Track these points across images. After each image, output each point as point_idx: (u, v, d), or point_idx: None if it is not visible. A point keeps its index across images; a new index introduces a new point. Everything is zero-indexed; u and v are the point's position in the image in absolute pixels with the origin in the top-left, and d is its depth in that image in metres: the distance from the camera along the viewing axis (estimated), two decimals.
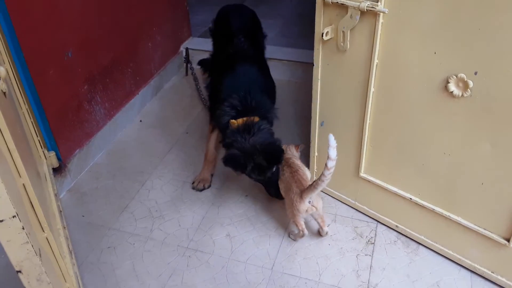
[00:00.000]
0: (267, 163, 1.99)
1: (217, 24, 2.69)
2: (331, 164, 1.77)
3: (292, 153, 2.18)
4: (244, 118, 2.03)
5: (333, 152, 1.76)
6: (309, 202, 1.91)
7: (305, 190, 1.90)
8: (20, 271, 1.00)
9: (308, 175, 2.12)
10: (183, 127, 2.87)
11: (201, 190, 2.37)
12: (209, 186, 2.40)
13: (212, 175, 2.44)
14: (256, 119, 2.04)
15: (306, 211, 1.93)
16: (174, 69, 3.40)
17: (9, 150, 1.07)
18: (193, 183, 2.40)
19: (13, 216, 0.90)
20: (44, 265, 1.02)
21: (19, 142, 1.27)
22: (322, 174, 1.80)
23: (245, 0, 4.59)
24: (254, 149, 1.97)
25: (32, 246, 0.96)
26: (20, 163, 1.11)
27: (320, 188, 1.86)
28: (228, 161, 1.99)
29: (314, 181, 1.87)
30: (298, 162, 2.09)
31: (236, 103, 2.08)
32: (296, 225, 1.99)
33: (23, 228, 0.92)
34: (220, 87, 2.20)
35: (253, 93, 2.10)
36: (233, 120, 2.05)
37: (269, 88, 2.33)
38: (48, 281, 1.02)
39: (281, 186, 2.08)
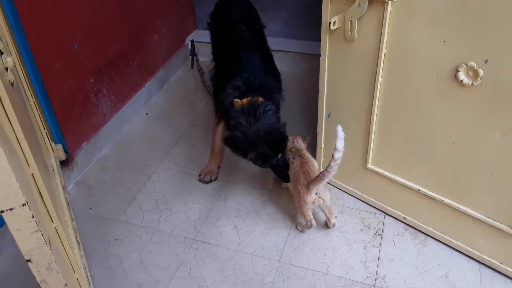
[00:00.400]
0: (271, 151, 1.98)
1: (215, 17, 2.65)
2: (338, 155, 1.76)
3: (300, 145, 2.18)
4: (248, 98, 2.00)
5: (340, 143, 1.74)
6: (316, 193, 1.90)
7: (312, 181, 1.89)
8: (29, 260, 1.00)
9: (316, 167, 2.11)
10: (189, 119, 2.87)
11: (207, 182, 2.37)
12: (216, 179, 2.39)
13: (219, 167, 2.43)
14: (261, 99, 2.00)
15: (313, 202, 1.92)
16: (180, 61, 3.40)
17: (17, 139, 1.07)
18: (199, 175, 2.40)
19: (23, 205, 0.89)
20: (53, 254, 1.02)
21: (28, 133, 1.27)
22: (329, 165, 1.80)
23: None
24: (258, 137, 1.94)
25: (42, 235, 0.96)
26: (28, 153, 1.11)
27: (326, 179, 1.85)
28: (228, 141, 1.97)
29: (321, 172, 1.86)
30: (308, 155, 2.08)
31: (238, 84, 2.05)
32: (304, 216, 1.98)
33: (33, 217, 0.92)
34: (224, 76, 2.18)
35: (257, 75, 2.07)
36: (237, 99, 2.02)
37: (274, 73, 2.30)
38: (58, 270, 1.03)
39: (290, 175, 2.07)
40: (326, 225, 2.07)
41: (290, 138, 2.16)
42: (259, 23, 2.63)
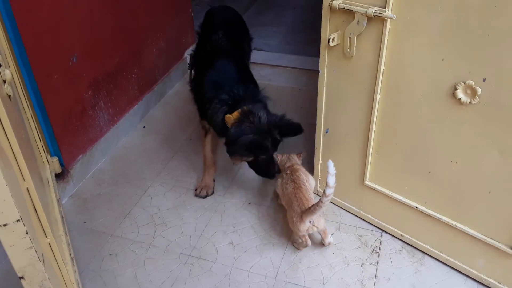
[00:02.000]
0: (287, 135, 2.04)
1: (202, 25, 2.67)
2: (330, 191, 1.76)
3: (296, 161, 2.17)
4: (238, 111, 2.00)
5: (331, 180, 1.75)
6: (310, 222, 1.90)
7: (305, 211, 1.88)
8: (22, 277, 0.98)
9: (312, 183, 2.10)
10: (186, 133, 2.86)
11: (204, 197, 2.35)
12: (212, 193, 2.37)
13: (214, 180, 2.41)
14: (247, 108, 2.01)
15: (307, 230, 1.92)
16: (178, 75, 3.40)
17: (13, 153, 1.05)
18: (195, 190, 2.38)
19: (17, 220, 0.88)
20: (47, 271, 1.00)
21: (24, 146, 1.25)
22: (320, 200, 1.80)
23: (249, 9, 4.61)
24: (271, 125, 1.99)
25: (36, 251, 0.94)
26: (24, 167, 1.10)
27: (319, 213, 1.85)
28: (253, 148, 1.99)
29: (313, 205, 1.86)
30: (303, 175, 2.08)
31: (225, 97, 2.05)
32: (299, 237, 1.97)
33: (27, 233, 0.91)
34: (201, 85, 2.20)
35: (237, 85, 2.09)
36: (228, 115, 2.02)
37: (251, 80, 2.31)
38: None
39: (283, 198, 2.06)
40: (322, 244, 2.05)
41: (284, 156, 2.16)
42: (245, 36, 2.64)
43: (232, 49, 2.37)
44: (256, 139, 1.99)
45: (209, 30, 2.48)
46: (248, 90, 2.10)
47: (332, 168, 1.73)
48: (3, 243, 0.92)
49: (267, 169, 2.14)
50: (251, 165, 2.16)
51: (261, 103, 2.08)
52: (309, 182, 2.07)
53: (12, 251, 0.92)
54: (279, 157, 2.17)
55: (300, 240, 1.98)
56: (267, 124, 1.99)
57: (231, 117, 2.01)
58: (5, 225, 0.88)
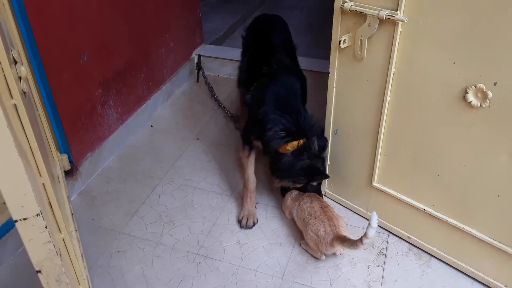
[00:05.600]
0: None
1: (253, 34, 2.57)
2: (366, 241, 1.72)
3: None
4: (297, 142, 1.96)
5: (371, 232, 1.68)
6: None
7: (339, 239, 1.84)
8: (39, 271, 0.99)
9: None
10: (194, 133, 2.87)
11: (251, 227, 2.18)
12: (257, 220, 2.21)
13: (256, 207, 2.26)
14: (303, 141, 1.97)
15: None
16: (186, 75, 3.42)
17: (31, 149, 1.07)
18: (240, 222, 2.19)
19: (37, 215, 0.89)
20: (63, 266, 1.01)
21: (39, 143, 1.27)
22: (360, 240, 1.74)
23: (256, 10, 4.63)
24: (321, 150, 2.00)
25: (54, 245, 0.96)
26: (41, 163, 1.11)
27: (350, 248, 1.82)
28: (310, 172, 1.99)
29: (349, 239, 1.81)
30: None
31: (289, 127, 1.97)
32: (318, 253, 1.99)
33: (46, 227, 0.92)
34: (263, 103, 2.07)
35: (303, 114, 2.02)
36: (288, 146, 1.96)
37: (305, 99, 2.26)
38: (67, 282, 1.02)
39: (299, 215, 2.04)
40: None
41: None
42: (293, 46, 2.55)
43: (295, 68, 2.32)
44: (313, 163, 1.97)
45: (267, 44, 2.36)
46: (310, 121, 2.01)
47: (375, 222, 1.67)
48: (22, 237, 0.93)
49: (319, 192, 2.14)
50: (300, 189, 2.13)
51: (317, 136, 2.01)
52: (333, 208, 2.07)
53: (30, 245, 0.93)
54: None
55: (318, 255, 1.99)
56: (319, 151, 1.99)
57: (289, 149, 1.96)
58: (25, 219, 0.89)
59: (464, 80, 1.53)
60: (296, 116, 1.99)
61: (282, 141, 1.96)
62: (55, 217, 1.19)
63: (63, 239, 1.23)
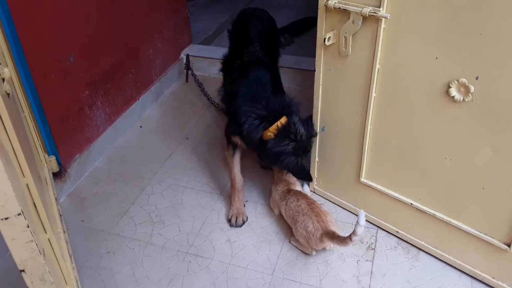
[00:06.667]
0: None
1: (236, 27, 2.59)
2: (355, 238, 1.74)
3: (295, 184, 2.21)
4: (276, 124, 1.94)
5: (360, 230, 1.71)
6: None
7: (328, 234, 1.85)
8: (23, 270, 0.99)
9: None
10: (183, 133, 2.87)
11: (241, 226, 2.19)
12: (247, 218, 2.23)
13: (244, 205, 2.27)
14: (284, 119, 1.96)
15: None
16: (175, 75, 3.41)
17: (13, 149, 1.07)
18: (229, 220, 2.20)
19: (18, 214, 0.89)
20: (47, 265, 1.01)
21: (23, 143, 1.26)
22: (349, 237, 1.75)
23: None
24: (309, 138, 2.00)
25: (37, 245, 0.96)
26: (24, 163, 1.11)
27: (339, 245, 1.84)
28: (304, 171, 2.02)
29: (339, 235, 1.82)
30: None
31: (262, 113, 1.97)
32: (308, 249, 2.01)
33: (28, 226, 0.92)
34: (235, 97, 2.10)
35: (273, 98, 2.02)
36: (269, 133, 1.95)
37: (281, 88, 2.30)
38: (51, 281, 1.02)
39: (288, 214, 2.05)
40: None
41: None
42: (276, 42, 2.55)
43: (268, 60, 2.32)
44: (298, 146, 1.97)
45: (244, 37, 2.38)
46: (282, 102, 2.02)
47: (362, 220, 1.68)
48: (4, 237, 0.93)
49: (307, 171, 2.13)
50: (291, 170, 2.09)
51: (295, 113, 2.01)
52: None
53: (13, 244, 0.93)
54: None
55: (309, 250, 2.01)
56: (307, 140, 2.00)
57: (270, 132, 1.95)
58: (6, 218, 0.89)
59: (447, 75, 1.55)
60: (265, 102, 1.99)
61: (259, 129, 1.96)
62: (40, 217, 1.19)
63: (48, 239, 1.23)
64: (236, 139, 2.16)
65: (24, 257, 0.96)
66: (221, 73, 2.56)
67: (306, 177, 2.09)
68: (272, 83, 2.15)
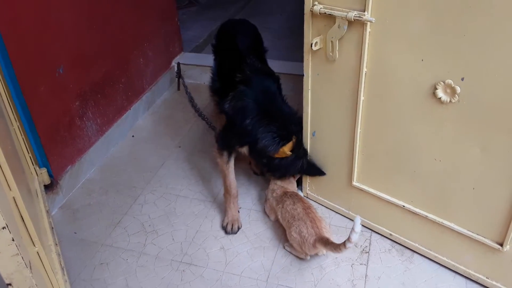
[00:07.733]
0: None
1: (221, 41, 2.59)
2: (349, 245, 1.72)
3: (290, 181, 2.21)
4: (292, 142, 2.07)
5: (354, 236, 1.69)
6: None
7: (322, 240, 1.85)
8: (10, 284, 0.98)
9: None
10: (175, 141, 2.87)
11: (236, 233, 2.19)
12: (241, 225, 2.23)
13: (238, 211, 2.27)
14: (295, 138, 2.07)
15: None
16: (166, 84, 3.42)
17: None
18: (225, 228, 2.20)
19: (3, 228, 0.88)
20: (34, 278, 1.00)
21: (10, 157, 1.26)
22: (343, 244, 1.75)
23: (236, 15, 4.65)
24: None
25: (22, 258, 0.95)
26: (10, 176, 1.10)
27: (333, 251, 1.84)
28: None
29: (333, 243, 1.82)
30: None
31: (280, 133, 2.05)
32: (302, 254, 2.00)
33: (13, 240, 0.91)
34: (246, 112, 2.09)
35: (286, 115, 2.12)
36: (284, 150, 2.06)
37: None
38: None
39: (284, 217, 2.05)
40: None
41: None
42: (262, 48, 2.57)
43: (268, 68, 2.36)
44: (310, 162, 2.17)
45: (235, 51, 2.37)
46: (293, 119, 2.12)
47: (358, 227, 1.67)
48: None
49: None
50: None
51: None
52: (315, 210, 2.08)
53: None
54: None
55: (303, 255, 2.00)
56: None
57: (285, 149, 2.06)
58: None
59: (433, 76, 1.56)
60: (282, 120, 2.08)
61: (278, 146, 2.06)
62: (28, 230, 1.18)
63: (37, 253, 1.22)
64: (242, 149, 2.18)
65: (10, 270, 0.95)
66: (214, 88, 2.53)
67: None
68: (279, 90, 2.22)
